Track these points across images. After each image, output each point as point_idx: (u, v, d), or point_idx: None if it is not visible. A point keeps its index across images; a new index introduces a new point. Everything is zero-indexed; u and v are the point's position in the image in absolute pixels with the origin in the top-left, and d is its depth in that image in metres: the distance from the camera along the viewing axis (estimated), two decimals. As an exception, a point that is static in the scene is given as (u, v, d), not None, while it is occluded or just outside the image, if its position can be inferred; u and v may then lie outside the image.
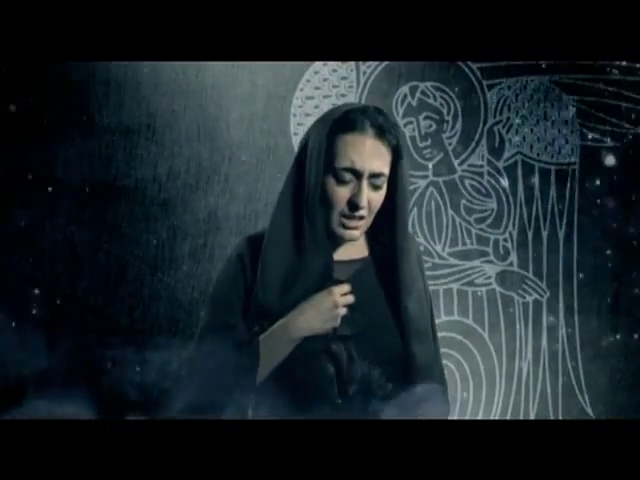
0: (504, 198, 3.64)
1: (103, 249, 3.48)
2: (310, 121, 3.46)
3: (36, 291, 3.45)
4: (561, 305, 3.69)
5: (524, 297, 3.68)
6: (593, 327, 3.70)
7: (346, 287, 2.19)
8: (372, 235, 2.27)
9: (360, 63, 3.58)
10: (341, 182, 2.14)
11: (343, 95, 3.58)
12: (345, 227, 2.17)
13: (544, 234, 3.67)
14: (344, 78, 3.59)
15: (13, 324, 3.22)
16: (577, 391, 3.67)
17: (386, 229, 2.24)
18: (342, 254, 2.24)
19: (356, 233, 2.18)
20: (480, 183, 3.65)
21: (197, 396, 2.13)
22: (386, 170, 2.15)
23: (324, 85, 3.57)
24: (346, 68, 3.58)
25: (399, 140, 2.17)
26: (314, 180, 2.14)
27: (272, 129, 3.59)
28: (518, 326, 3.67)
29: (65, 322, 3.43)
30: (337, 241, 2.21)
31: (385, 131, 2.14)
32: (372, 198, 2.15)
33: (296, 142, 3.54)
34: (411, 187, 3.47)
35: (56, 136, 3.43)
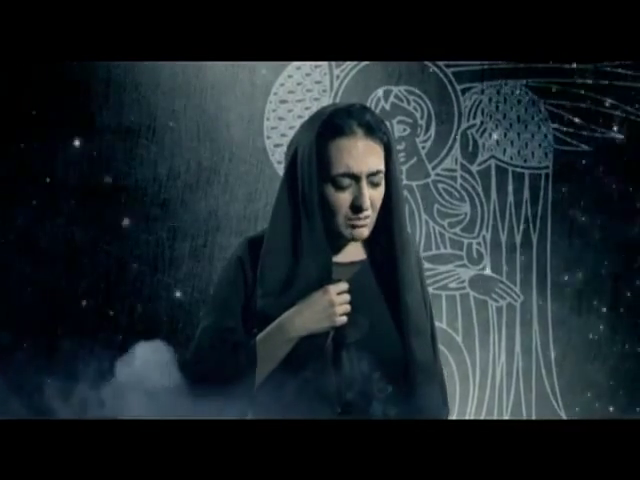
0: (477, 202, 3.47)
1: (103, 249, 3.33)
2: (283, 125, 3.38)
3: (36, 291, 3.28)
4: (534, 308, 3.60)
5: (497, 301, 3.56)
6: (566, 329, 3.60)
7: (343, 286, 2.07)
8: (370, 237, 2.13)
9: (334, 67, 3.38)
10: (340, 188, 2.01)
11: (316, 99, 3.45)
12: (354, 227, 2.04)
13: (517, 238, 3.54)
14: (318, 82, 3.45)
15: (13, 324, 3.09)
16: (550, 394, 3.59)
17: (384, 228, 2.10)
18: (340, 257, 2.12)
19: (364, 230, 2.06)
20: (453, 187, 3.46)
21: (196, 398, 1.97)
22: (382, 166, 2.04)
23: (298, 89, 3.40)
24: (320, 72, 3.43)
25: (389, 137, 2.06)
26: (308, 185, 2.03)
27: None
28: (491, 330, 3.56)
29: (65, 322, 3.26)
30: (340, 243, 2.10)
31: (374, 128, 2.03)
32: (373, 196, 2.04)
33: (269, 145, 3.41)
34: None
35: (56, 136, 3.28)
